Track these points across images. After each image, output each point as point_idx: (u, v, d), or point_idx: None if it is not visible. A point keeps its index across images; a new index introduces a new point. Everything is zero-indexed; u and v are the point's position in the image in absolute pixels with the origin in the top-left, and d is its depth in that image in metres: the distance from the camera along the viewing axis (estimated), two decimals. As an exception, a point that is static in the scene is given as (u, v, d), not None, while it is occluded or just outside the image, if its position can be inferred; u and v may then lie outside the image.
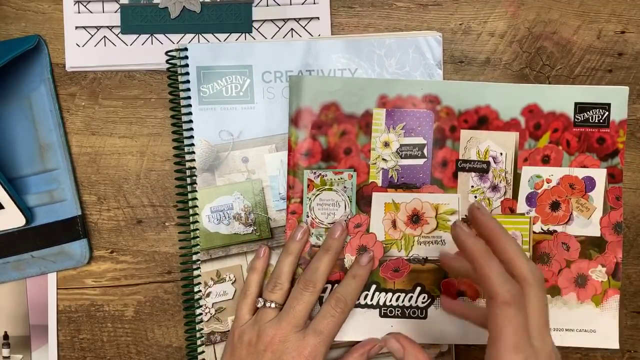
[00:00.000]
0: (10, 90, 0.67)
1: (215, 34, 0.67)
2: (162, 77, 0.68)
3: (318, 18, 0.67)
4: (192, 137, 0.65)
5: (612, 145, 0.65)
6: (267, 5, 0.67)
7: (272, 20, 0.67)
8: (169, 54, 0.65)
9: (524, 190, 0.65)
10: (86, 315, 0.68)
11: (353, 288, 0.62)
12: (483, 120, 0.65)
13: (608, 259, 0.65)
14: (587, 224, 0.65)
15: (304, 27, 0.67)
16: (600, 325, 0.65)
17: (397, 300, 0.65)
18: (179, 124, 0.66)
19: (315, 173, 0.64)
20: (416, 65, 0.65)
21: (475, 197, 0.65)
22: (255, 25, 0.67)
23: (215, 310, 0.66)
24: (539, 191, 0.65)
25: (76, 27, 0.67)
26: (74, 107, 0.68)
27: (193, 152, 0.65)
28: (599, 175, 0.65)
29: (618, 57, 0.67)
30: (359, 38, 0.66)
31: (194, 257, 0.66)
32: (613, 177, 0.65)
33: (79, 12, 0.67)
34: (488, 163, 0.65)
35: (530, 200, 0.65)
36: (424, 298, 0.65)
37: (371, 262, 0.63)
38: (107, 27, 0.67)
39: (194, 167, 0.65)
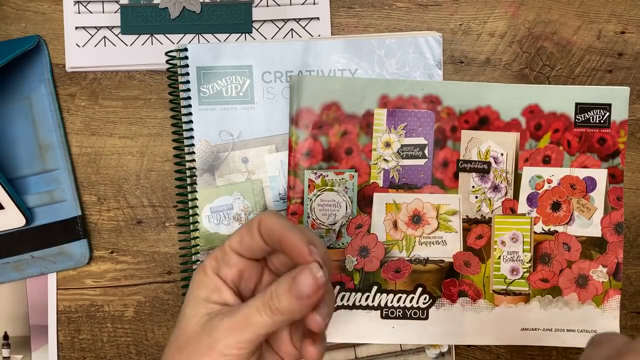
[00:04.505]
0: (10, 90, 0.67)
1: (215, 34, 0.67)
2: (162, 77, 0.67)
3: (318, 18, 0.67)
4: (192, 137, 0.65)
5: (613, 145, 0.65)
6: (267, 6, 0.67)
7: (272, 21, 0.67)
8: (169, 54, 0.65)
9: (525, 190, 0.65)
10: (86, 316, 0.68)
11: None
12: (484, 120, 0.65)
13: (609, 260, 0.65)
14: (588, 224, 0.65)
15: (304, 28, 0.67)
16: (601, 325, 0.65)
17: (398, 301, 0.65)
18: (179, 124, 0.66)
19: (316, 173, 0.64)
20: (416, 66, 0.65)
21: (476, 197, 0.65)
22: (255, 25, 0.67)
23: (216, 311, 0.65)
24: (540, 191, 0.65)
25: (76, 28, 0.67)
26: (74, 107, 0.68)
27: (193, 153, 0.65)
28: (600, 175, 0.65)
29: (618, 58, 0.67)
30: (359, 38, 0.66)
31: (194, 258, 0.66)
32: (614, 177, 0.65)
33: (79, 13, 0.67)
34: (489, 163, 0.65)
35: (531, 200, 0.65)
36: (425, 299, 0.65)
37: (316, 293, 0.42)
38: (107, 27, 0.67)
39: (194, 168, 0.65)
